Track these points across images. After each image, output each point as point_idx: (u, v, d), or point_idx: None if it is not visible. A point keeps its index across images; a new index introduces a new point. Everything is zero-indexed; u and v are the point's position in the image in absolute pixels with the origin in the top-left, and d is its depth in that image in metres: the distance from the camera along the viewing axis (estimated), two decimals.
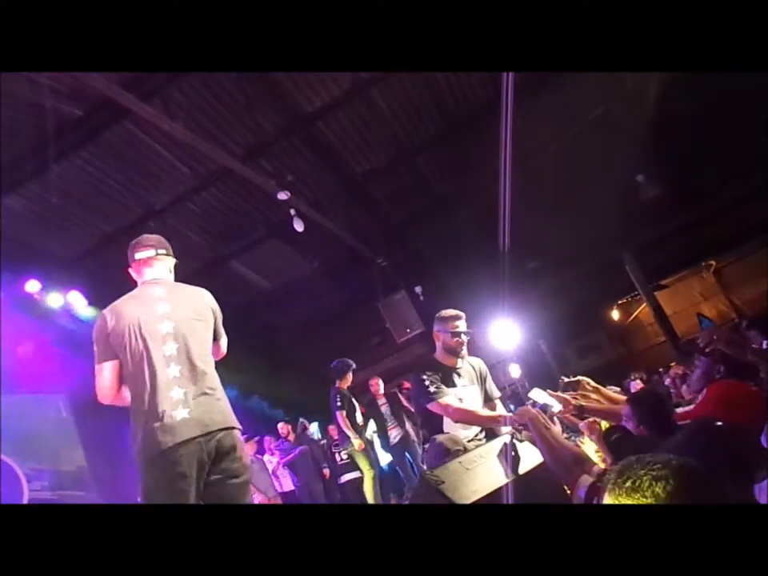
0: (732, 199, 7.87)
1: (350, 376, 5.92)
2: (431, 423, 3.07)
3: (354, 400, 5.97)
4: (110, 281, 5.81)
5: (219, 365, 2.38)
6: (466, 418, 3.01)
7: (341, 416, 5.86)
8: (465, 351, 3.23)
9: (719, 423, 1.76)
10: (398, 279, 7.30)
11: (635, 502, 0.95)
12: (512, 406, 2.92)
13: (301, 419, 7.76)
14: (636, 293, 9.66)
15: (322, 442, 7.79)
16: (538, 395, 2.73)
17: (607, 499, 1.00)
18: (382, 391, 6.51)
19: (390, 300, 7.25)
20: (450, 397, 3.02)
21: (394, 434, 6.18)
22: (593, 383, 3.07)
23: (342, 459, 6.98)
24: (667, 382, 6.55)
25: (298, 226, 5.62)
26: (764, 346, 3.53)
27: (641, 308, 11.30)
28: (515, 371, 7.24)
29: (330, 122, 5.44)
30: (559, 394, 2.87)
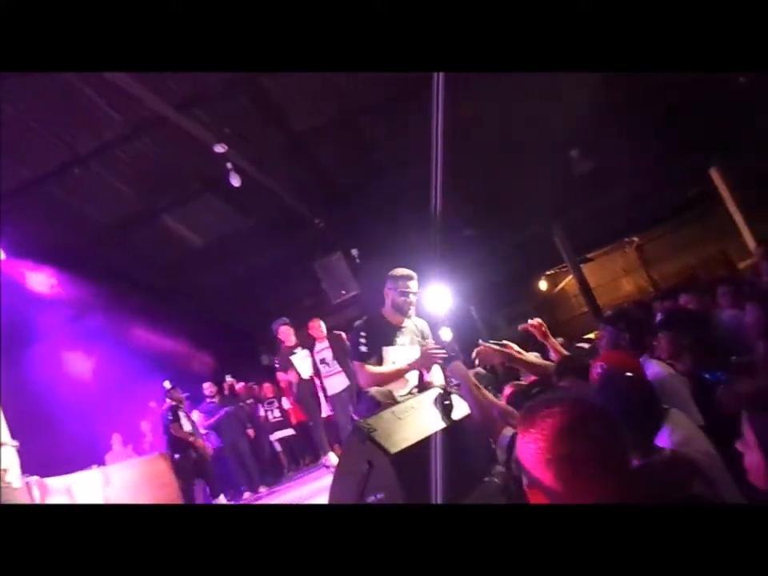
0: (657, 181, 8.31)
1: (288, 332, 5.98)
2: None
3: (292, 358, 6.06)
4: (30, 228, 5.63)
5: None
6: (376, 381, 3.16)
7: (279, 375, 5.96)
8: (412, 311, 3.40)
9: (628, 374, 1.97)
10: (335, 240, 7.36)
11: (533, 437, 1.06)
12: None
13: (228, 378, 7.72)
14: (563, 265, 10.15)
15: (249, 401, 7.85)
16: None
17: (518, 438, 1.12)
18: (323, 334, 6.13)
19: (326, 261, 7.32)
20: (370, 364, 3.19)
21: (335, 382, 6.00)
22: (517, 348, 3.30)
23: (274, 417, 7.09)
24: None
25: (235, 181, 5.52)
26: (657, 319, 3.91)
27: (567, 279, 11.90)
28: (446, 334, 7.48)
29: (273, 75, 5.34)
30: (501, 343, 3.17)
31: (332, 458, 5.87)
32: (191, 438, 6.54)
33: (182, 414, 6.61)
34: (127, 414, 7.16)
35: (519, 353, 3.27)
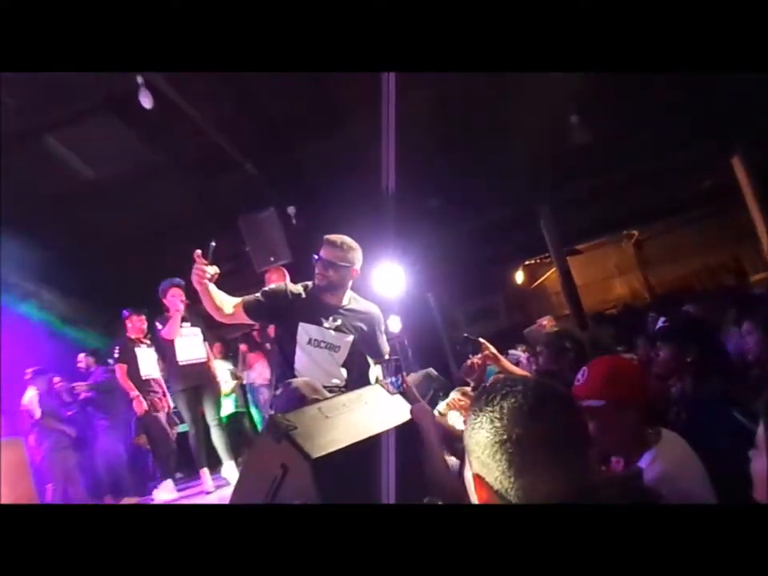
0: (667, 166, 8.47)
1: (176, 298, 5.98)
2: (286, 360, 3.37)
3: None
4: None
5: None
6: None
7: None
8: (347, 293, 3.54)
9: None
10: (269, 193, 7.27)
11: (487, 417, 1.17)
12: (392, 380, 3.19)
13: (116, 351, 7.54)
14: (546, 254, 10.33)
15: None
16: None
17: (469, 422, 1.22)
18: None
19: (254, 217, 7.24)
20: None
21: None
22: (493, 349, 3.40)
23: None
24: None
25: (145, 102, 5.35)
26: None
27: (549, 273, 12.12)
28: (395, 324, 7.57)
29: None
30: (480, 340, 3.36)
31: (226, 471, 6.03)
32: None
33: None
34: None
35: (498, 357, 3.39)
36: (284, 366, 3.45)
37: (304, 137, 7.18)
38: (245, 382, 8.38)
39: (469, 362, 3.42)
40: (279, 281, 5.84)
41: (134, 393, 6.17)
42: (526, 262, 12.35)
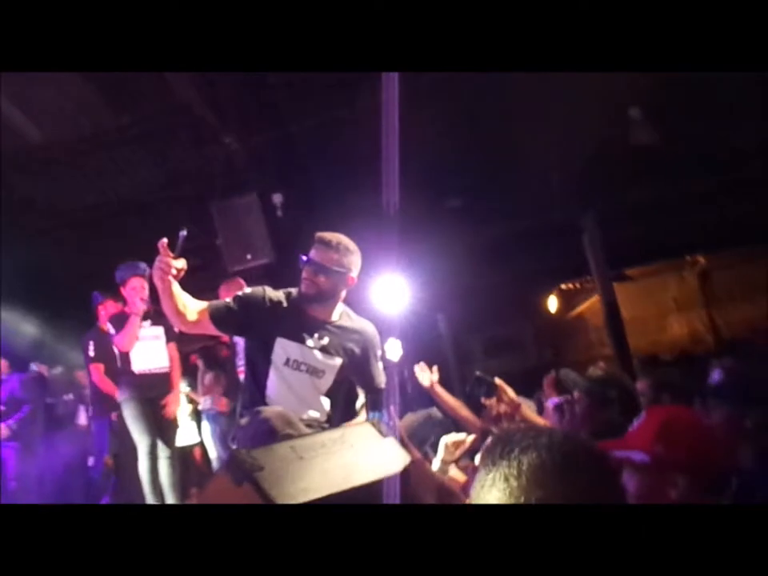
0: (750, 178, 8.35)
1: (138, 290, 5.89)
2: (256, 384, 3.43)
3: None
4: None
5: None
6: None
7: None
8: (337, 306, 3.59)
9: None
10: (251, 175, 7.30)
11: (501, 473, 1.17)
12: (377, 415, 3.23)
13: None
14: (588, 278, 10.28)
15: (68, 396, 7.80)
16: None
17: (477, 478, 1.22)
18: None
19: (230, 203, 7.23)
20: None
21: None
22: (512, 393, 3.42)
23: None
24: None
25: None
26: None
27: (589, 301, 12.04)
28: (394, 349, 7.47)
29: None
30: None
31: None
32: None
33: None
34: None
35: (519, 404, 3.42)
36: (253, 391, 3.47)
37: (299, 107, 7.12)
38: (201, 407, 8.24)
39: (493, 410, 3.43)
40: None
41: (125, 395, 5.89)
42: (563, 286, 12.28)
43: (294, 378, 3.42)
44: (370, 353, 3.64)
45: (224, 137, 6.99)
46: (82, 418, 7.95)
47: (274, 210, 7.46)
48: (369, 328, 3.69)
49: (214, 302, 3.49)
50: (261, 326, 3.46)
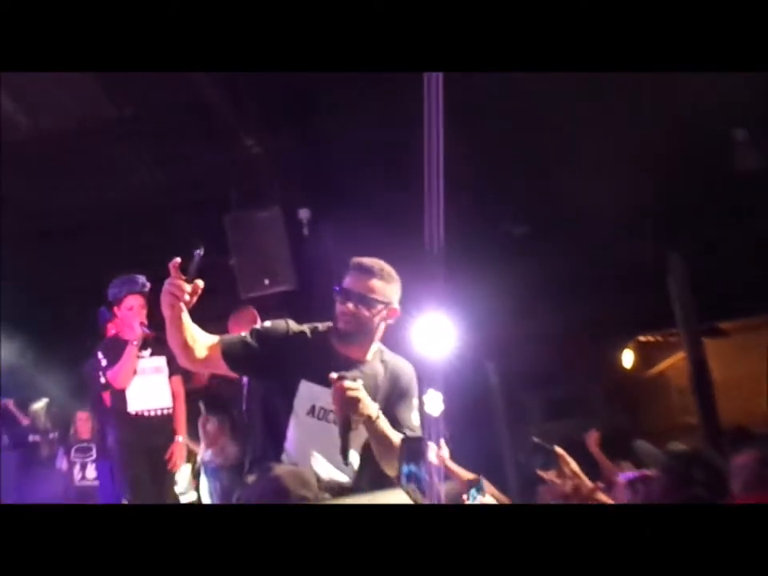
0: None
1: (135, 309, 5.84)
2: (272, 435, 3.40)
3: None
4: None
5: None
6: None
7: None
8: (374, 345, 3.58)
9: None
10: (273, 185, 7.31)
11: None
12: (412, 468, 3.20)
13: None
14: (672, 330, 10.21)
15: (51, 435, 7.84)
16: None
17: None
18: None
19: (248, 217, 7.23)
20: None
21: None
22: (574, 465, 3.38)
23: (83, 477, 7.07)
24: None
25: None
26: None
27: (673, 358, 11.93)
28: (434, 403, 7.40)
29: None
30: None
31: None
32: None
33: None
34: None
35: (582, 477, 3.39)
36: (266, 443, 3.44)
37: (331, 107, 7.20)
38: (199, 459, 8.19)
39: (558, 489, 3.39)
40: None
41: (117, 441, 5.84)
42: (641, 338, 12.20)
43: (319, 430, 3.37)
44: (409, 397, 3.60)
45: (244, 137, 7.01)
46: (63, 462, 7.93)
47: (299, 228, 7.48)
48: (408, 369, 3.65)
49: (227, 337, 3.47)
50: (283, 366, 3.41)
